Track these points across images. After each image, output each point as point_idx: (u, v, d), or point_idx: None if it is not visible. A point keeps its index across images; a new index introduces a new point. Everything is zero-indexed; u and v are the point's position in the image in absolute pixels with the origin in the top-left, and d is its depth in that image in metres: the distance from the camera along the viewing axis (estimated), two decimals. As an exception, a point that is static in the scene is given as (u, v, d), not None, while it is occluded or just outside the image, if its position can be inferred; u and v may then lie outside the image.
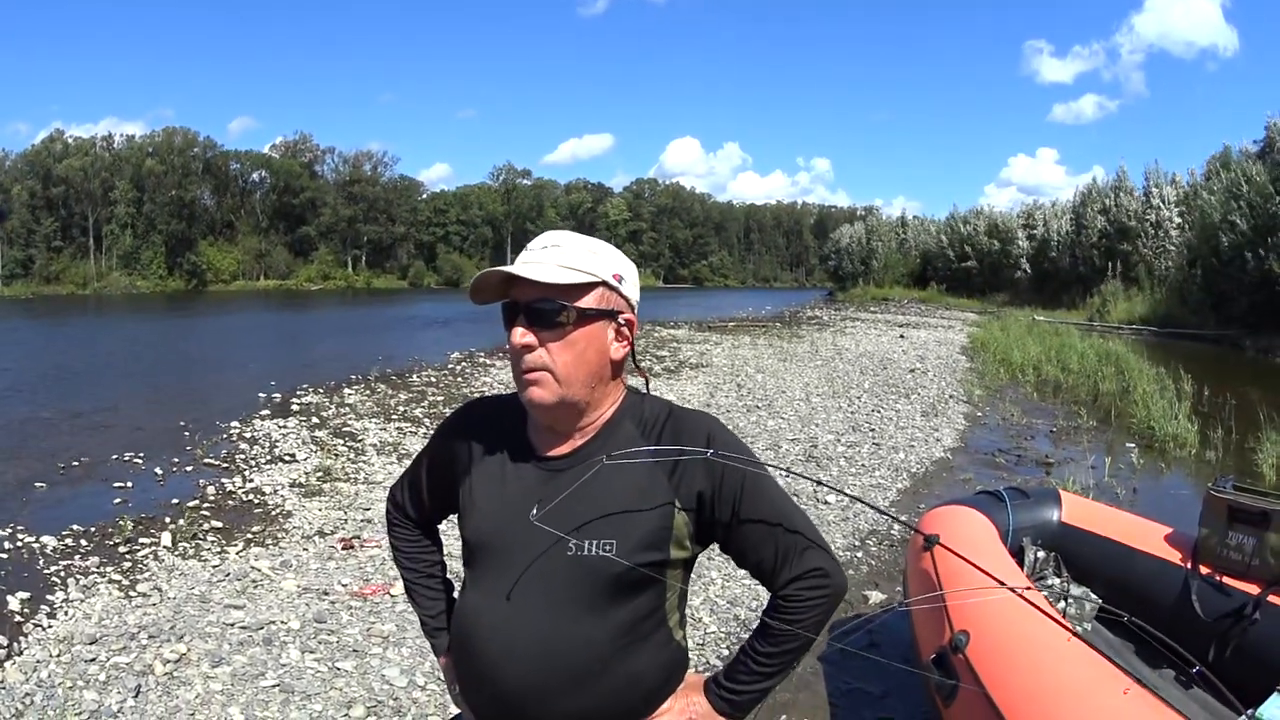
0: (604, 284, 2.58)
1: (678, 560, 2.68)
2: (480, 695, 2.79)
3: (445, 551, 3.29)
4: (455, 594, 3.11)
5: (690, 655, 3.00)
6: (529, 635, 2.61)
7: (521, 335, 2.54)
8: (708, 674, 2.87)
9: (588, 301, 2.57)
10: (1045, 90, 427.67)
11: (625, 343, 2.67)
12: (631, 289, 2.67)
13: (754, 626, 2.85)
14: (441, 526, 3.28)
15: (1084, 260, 59.93)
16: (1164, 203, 55.40)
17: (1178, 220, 52.91)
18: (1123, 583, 6.06)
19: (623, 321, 2.64)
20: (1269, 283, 36.55)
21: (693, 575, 2.91)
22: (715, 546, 2.76)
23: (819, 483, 3.19)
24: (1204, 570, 5.74)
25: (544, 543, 2.58)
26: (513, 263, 2.61)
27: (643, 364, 2.77)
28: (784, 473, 2.91)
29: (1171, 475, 14.51)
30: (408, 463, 13.38)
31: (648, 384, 2.87)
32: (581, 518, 2.57)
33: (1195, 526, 5.96)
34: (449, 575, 3.26)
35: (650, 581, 2.62)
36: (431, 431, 14.07)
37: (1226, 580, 5.58)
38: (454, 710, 3.07)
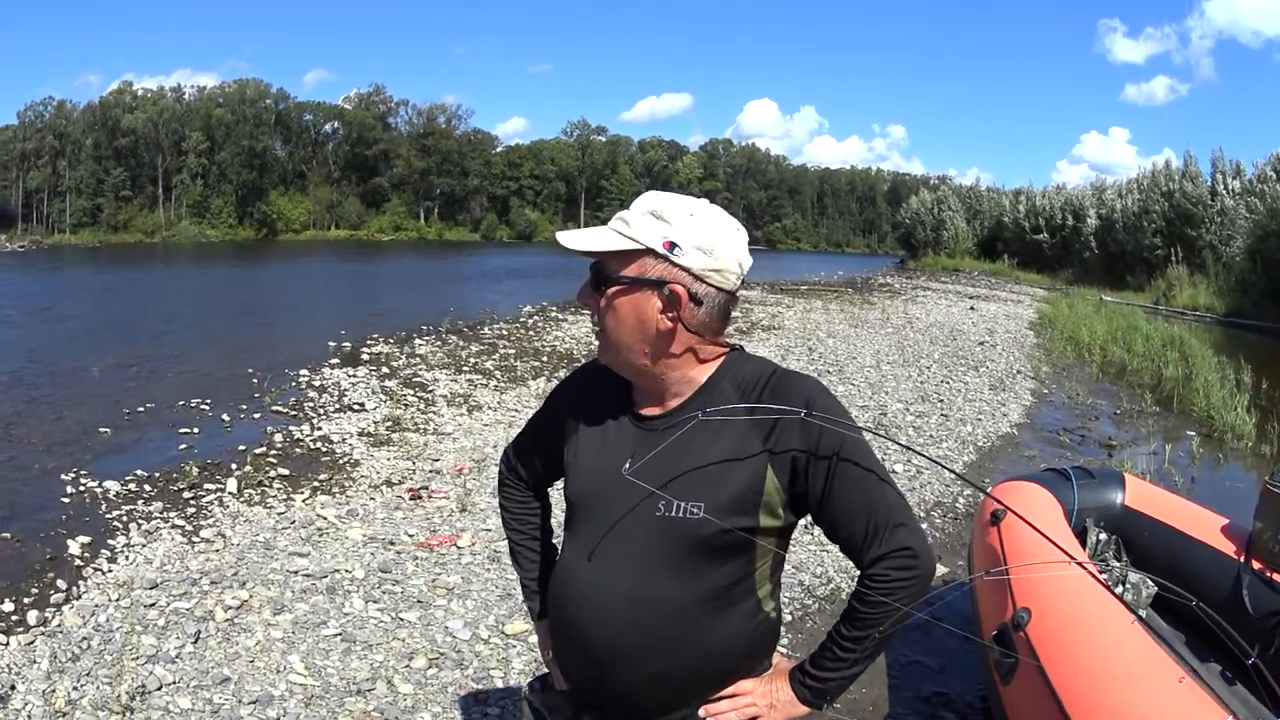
0: (650, 252, 2.55)
1: (769, 529, 2.64)
2: (568, 654, 2.83)
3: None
4: (555, 556, 3.16)
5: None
6: (614, 595, 2.63)
7: (580, 294, 2.65)
8: (794, 661, 2.82)
9: (631, 270, 2.58)
10: (1118, 69, 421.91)
11: (674, 313, 2.58)
12: (697, 260, 2.55)
13: (830, 593, 2.85)
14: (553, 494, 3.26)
15: (1148, 244, 59.42)
16: (1228, 191, 54.83)
17: (1243, 210, 52.35)
18: (1178, 571, 5.90)
19: (669, 292, 2.56)
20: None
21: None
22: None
23: (908, 448, 3.21)
24: (1256, 565, 5.66)
25: (634, 501, 2.60)
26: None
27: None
28: (871, 434, 2.87)
29: (1229, 466, 14.36)
30: (479, 415, 13.45)
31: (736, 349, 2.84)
32: (670, 475, 2.58)
33: (1250, 520, 5.88)
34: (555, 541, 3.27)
35: (739, 547, 2.60)
36: (502, 384, 14.04)
37: (1277, 577, 5.51)
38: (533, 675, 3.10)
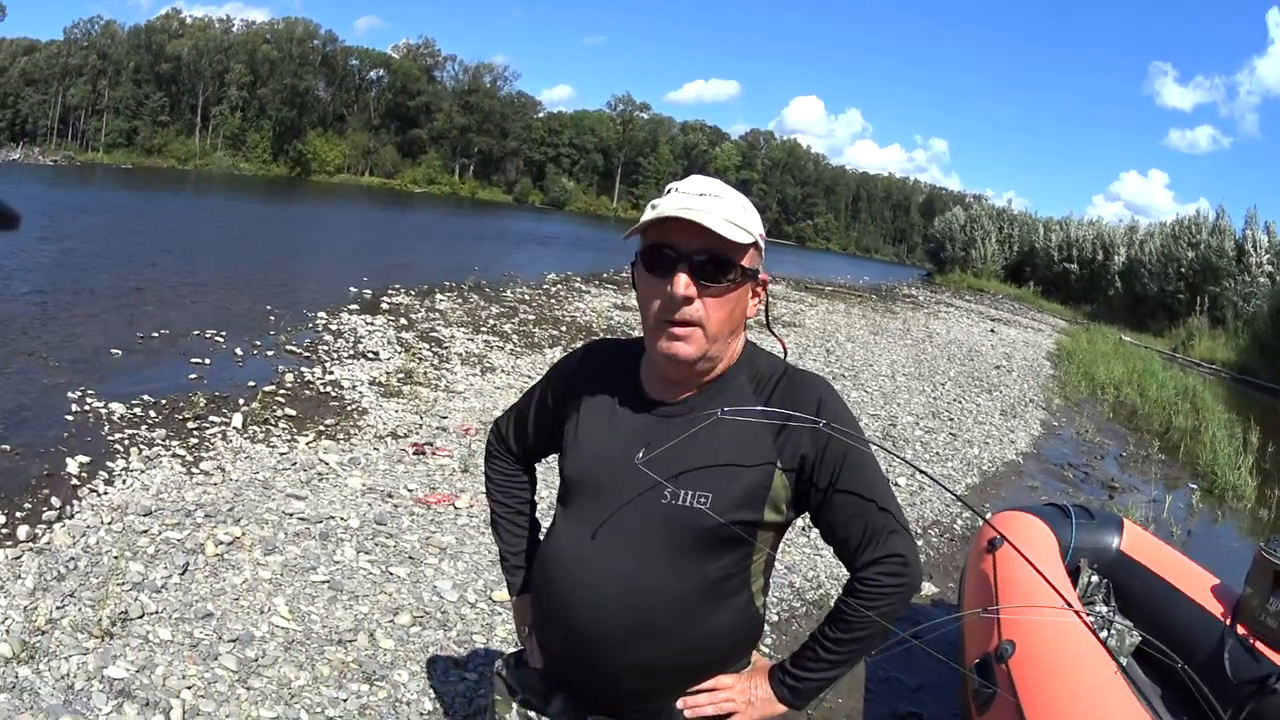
0: (755, 245, 2.57)
1: (770, 523, 2.67)
2: (553, 632, 2.82)
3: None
4: (541, 534, 3.17)
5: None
6: (611, 578, 2.63)
7: (687, 287, 2.49)
8: (774, 660, 2.86)
9: (748, 260, 2.57)
10: (1164, 114, 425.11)
11: (759, 300, 2.70)
12: (762, 248, 2.64)
13: (819, 597, 2.86)
14: (540, 468, 3.31)
15: (1172, 289, 59.25)
16: (1255, 248, 54.63)
17: (1268, 268, 52.13)
18: (1163, 624, 5.93)
19: (760, 281, 2.66)
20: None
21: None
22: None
23: (915, 467, 3.19)
24: (1240, 630, 5.65)
25: (641, 487, 2.59)
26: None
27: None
28: (877, 448, 2.89)
29: (1226, 524, 14.26)
30: (491, 377, 13.46)
31: (785, 351, 2.87)
32: (681, 467, 2.58)
33: (1240, 583, 5.89)
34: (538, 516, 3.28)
35: (740, 540, 2.62)
36: (518, 349, 14.05)
37: (1260, 646, 5.49)
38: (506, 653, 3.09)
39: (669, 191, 2.58)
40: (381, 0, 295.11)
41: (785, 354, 2.84)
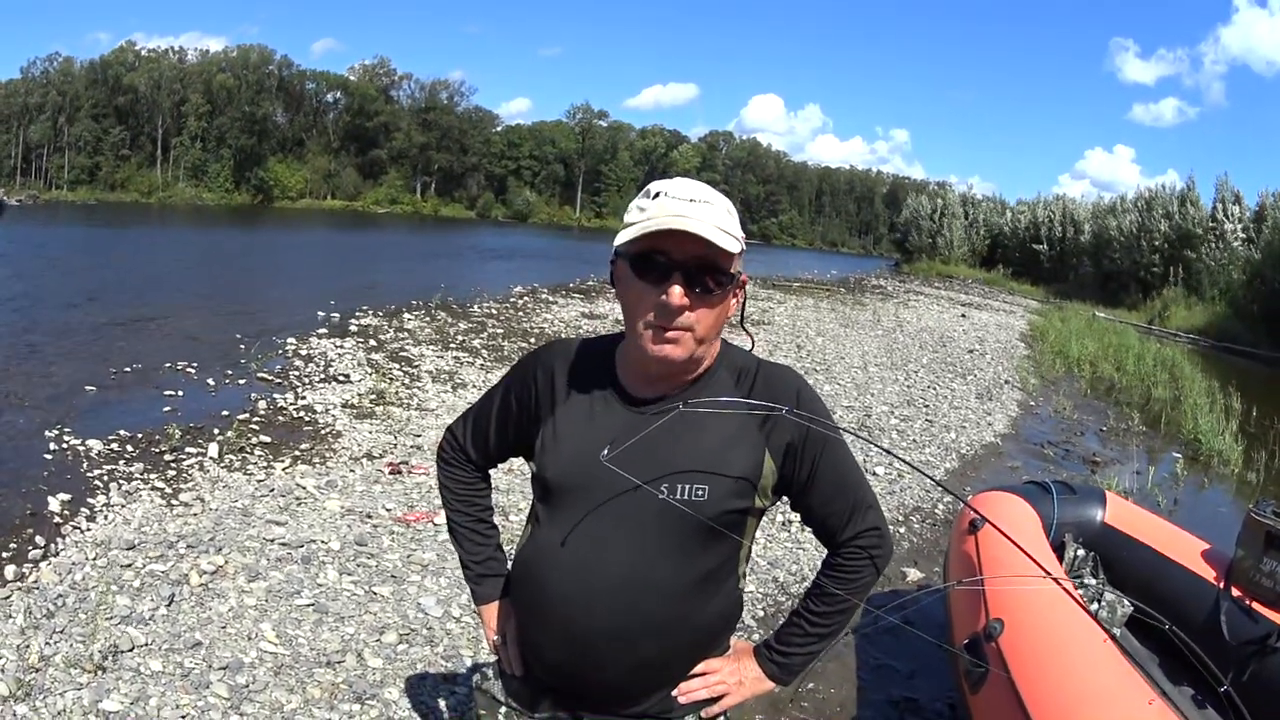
0: (741, 248, 2.56)
1: (759, 509, 2.75)
2: (549, 635, 2.79)
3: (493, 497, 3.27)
4: (499, 539, 3.18)
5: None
6: (610, 578, 2.63)
7: (682, 297, 2.47)
8: (757, 641, 2.93)
9: (735, 266, 2.57)
10: (1127, 89, 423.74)
11: (738, 300, 2.73)
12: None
13: (804, 590, 2.88)
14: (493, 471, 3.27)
15: (1145, 264, 59.53)
16: (1229, 217, 54.92)
17: (1242, 235, 52.36)
18: (1155, 592, 5.89)
19: (740, 282, 2.68)
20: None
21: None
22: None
23: (892, 454, 3.19)
24: (1235, 592, 5.64)
25: (632, 485, 2.57)
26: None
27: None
28: (852, 437, 2.92)
29: (1213, 490, 14.38)
30: (463, 393, 13.43)
31: (753, 344, 2.90)
32: (674, 464, 2.59)
33: (1232, 546, 5.87)
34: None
35: (732, 529, 2.66)
36: (488, 364, 14.01)
37: (1256, 606, 5.49)
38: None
39: (655, 195, 2.54)
40: (338, 23, 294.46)
41: (753, 347, 2.87)
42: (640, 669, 2.71)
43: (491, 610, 3.11)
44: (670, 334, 2.52)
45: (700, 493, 2.57)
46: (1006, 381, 21.87)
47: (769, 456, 2.67)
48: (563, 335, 21.27)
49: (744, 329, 2.94)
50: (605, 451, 2.56)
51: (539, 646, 2.84)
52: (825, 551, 2.91)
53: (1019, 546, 3.43)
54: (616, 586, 2.62)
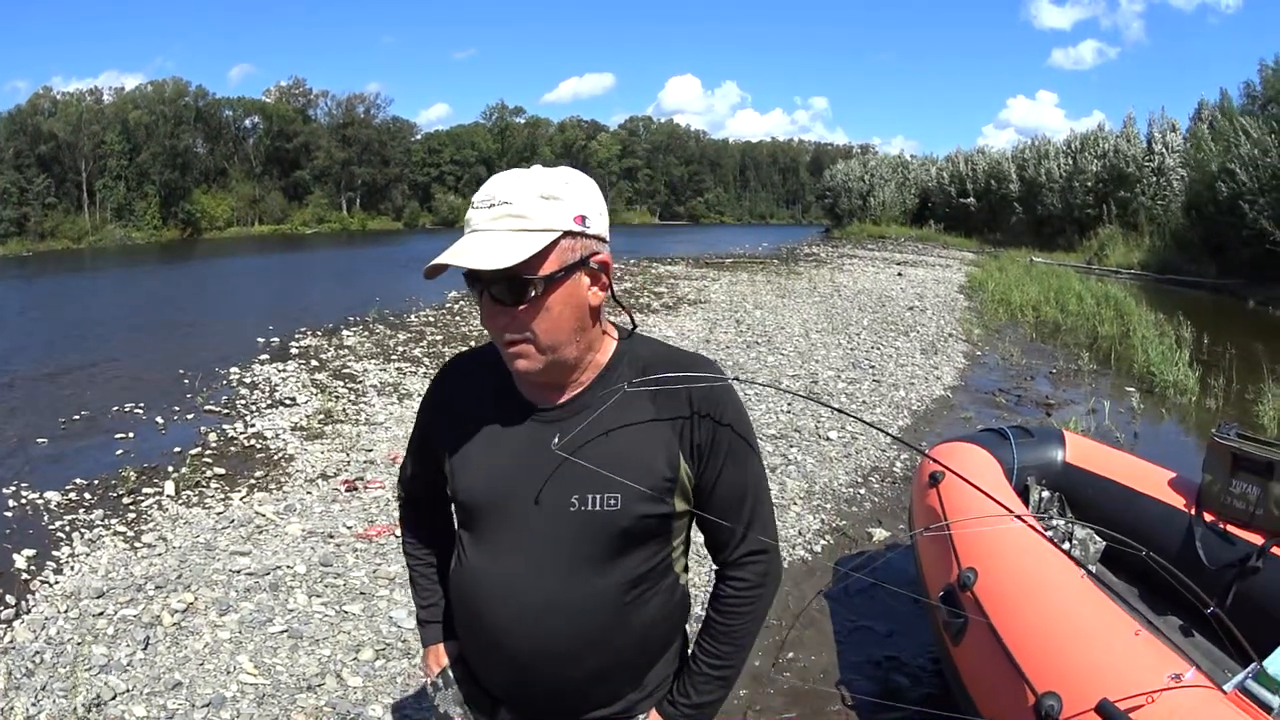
0: (567, 234, 2.36)
1: (682, 512, 2.62)
2: (491, 662, 2.75)
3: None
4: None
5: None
6: (538, 596, 2.56)
7: (490, 317, 2.41)
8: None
9: (552, 264, 2.35)
10: (1044, 35, 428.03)
11: (602, 285, 2.50)
12: (600, 224, 2.44)
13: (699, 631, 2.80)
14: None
15: (1078, 205, 59.88)
16: (1167, 150, 55.24)
17: (1180, 171, 52.69)
18: (1126, 526, 5.76)
19: (596, 265, 2.45)
20: (1266, 236, 36.26)
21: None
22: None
23: (841, 412, 3.14)
24: (1208, 517, 5.68)
25: (545, 500, 2.52)
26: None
27: (642, 300, 2.67)
28: (805, 400, 2.87)
29: (1172, 421, 14.55)
30: (409, 403, 13.47)
31: (633, 323, 2.73)
32: (583, 469, 2.48)
33: (1198, 473, 5.91)
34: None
35: (656, 532, 2.58)
36: (430, 371, 13.97)
37: (1230, 529, 5.54)
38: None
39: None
40: (253, 47, 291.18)
41: (634, 327, 2.73)
42: (587, 682, 2.65)
43: (433, 653, 3.06)
44: (511, 349, 2.45)
45: (612, 501, 2.49)
46: (950, 334, 22.03)
47: (683, 459, 2.56)
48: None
49: (621, 305, 2.75)
50: (555, 441, 2.49)
51: (484, 668, 2.81)
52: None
53: (984, 492, 3.45)
54: (546, 606, 2.55)
